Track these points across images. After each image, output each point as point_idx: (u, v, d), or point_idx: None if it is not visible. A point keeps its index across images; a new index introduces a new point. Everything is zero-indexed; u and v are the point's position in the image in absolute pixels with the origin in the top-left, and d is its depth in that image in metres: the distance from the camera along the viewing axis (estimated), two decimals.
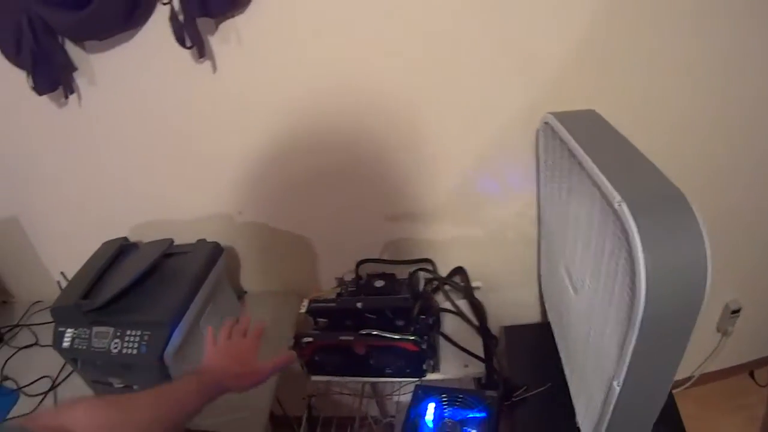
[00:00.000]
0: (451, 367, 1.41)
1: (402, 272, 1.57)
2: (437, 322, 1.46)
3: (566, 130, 1.09)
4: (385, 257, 1.66)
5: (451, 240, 1.62)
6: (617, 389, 0.89)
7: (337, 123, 1.46)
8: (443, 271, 1.64)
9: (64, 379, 1.63)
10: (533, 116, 1.34)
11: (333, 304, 1.43)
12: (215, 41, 1.37)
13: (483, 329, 1.43)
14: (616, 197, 0.82)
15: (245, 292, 1.85)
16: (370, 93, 1.39)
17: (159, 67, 1.43)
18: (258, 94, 1.43)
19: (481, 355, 1.40)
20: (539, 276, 1.63)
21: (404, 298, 1.41)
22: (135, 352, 1.33)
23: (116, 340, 1.35)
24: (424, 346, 1.31)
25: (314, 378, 1.46)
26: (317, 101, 1.42)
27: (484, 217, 1.57)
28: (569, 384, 1.30)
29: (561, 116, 1.16)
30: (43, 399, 1.59)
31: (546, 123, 1.22)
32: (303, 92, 1.41)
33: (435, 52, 1.31)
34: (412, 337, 1.31)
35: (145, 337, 1.33)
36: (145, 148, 1.58)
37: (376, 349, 1.35)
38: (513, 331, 1.59)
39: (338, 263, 1.71)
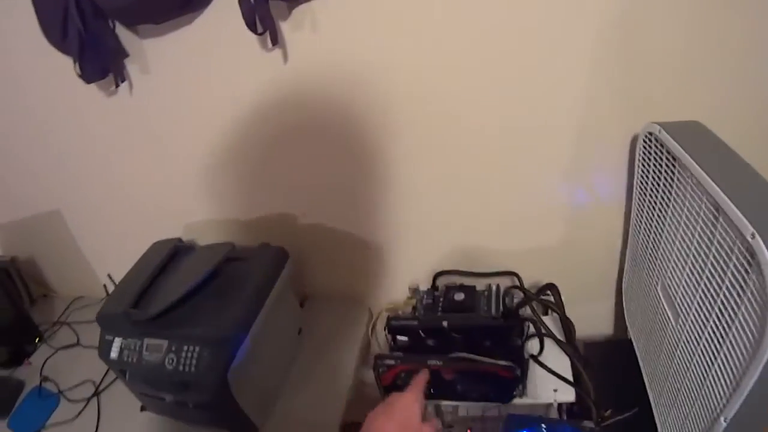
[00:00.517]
0: (539, 392, 1.27)
1: (479, 284, 1.44)
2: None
3: (677, 143, 0.98)
4: (461, 268, 1.52)
5: (528, 251, 1.48)
6: (723, 425, 0.83)
7: (419, 122, 1.31)
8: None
9: (108, 385, 1.53)
10: (630, 125, 1.22)
11: (415, 322, 1.28)
12: (287, 28, 1.21)
13: (574, 350, 1.30)
14: (748, 229, 0.74)
15: (306, 298, 1.72)
16: (462, 92, 1.25)
17: (221, 55, 1.28)
18: (334, 86, 1.28)
19: (569, 377, 1.27)
20: (619, 290, 1.48)
21: (494, 317, 1.28)
22: (193, 369, 1.19)
23: (171, 355, 1.21)
24: (518, 373, 1.18)
25: None
26: (396, 96, 1.28)
27: (566, 228, 1.43)
28: (654, 408, 1.19)
29: (667, 126, 1.05)
30: (85, 405, 1.49)
31: (650, 133, 1.10)
32: (385, 85, 1.26)
33: (535, 51, 1.17)
34: (507, 363, 1.17)
35: (206, 354, 1.19)
36: (202, 142, 1.44)
37: (465, 374, 1.21)
38: (591, 348, 1.45)
39: (409, 272, 1.58)
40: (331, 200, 1.49)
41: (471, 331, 1.25)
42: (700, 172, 0.89)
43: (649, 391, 1.23)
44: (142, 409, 1.42)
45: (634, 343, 1.34)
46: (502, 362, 1.17)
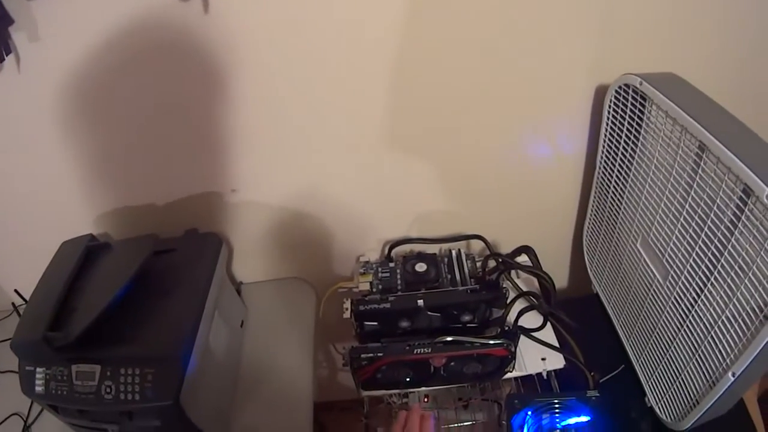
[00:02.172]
0: (527, 362, 1.16)
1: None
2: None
3: (661, 94, 0.92)
4: (412, 235, 1.37)
5: (481, 212, 1.37)
6: (731, 379, 0.83)
7: (356, 75, 1.12)
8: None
9: (38, 415, 1.29)
10: (593, 75, 1.14)
11: (387, 305, 1.10)
12: None
13: (556, 316, 1.18)
14: (764, 189, 0.71)
15: (241, 283, 1.51)
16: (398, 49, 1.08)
17: (130, 7, 1.03)
18: (260, 42, 1.06)
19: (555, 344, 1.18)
20: (578, 246, 1.42)
21: (473, 289, 1.12)
22: (138, 397, 0.99)
23: (107, 382, 1.01)
24: (513, 349, 1.04)
25: (368, 393, 1.15)
26: (336, 52, 1.09)
27: (521, 182, 1.32)
28: (636, 364, 1.17)
29: (646, 78, 0.98)
30: None
31: (625, 84, 1.03)
32: (318, 44, 1.07)
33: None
34: (501, 341, 1.03)
35: (149, 376, 0.99)
36: (108, 118, 1.18)
37: (456, 359, 1.06)
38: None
39: (355, 243, 1.41)
40: (264, 171, 1.28)
41: (450, 308, 1.09)
42: (696, 126, 0.84)
43: (627, 349, 1.20)
44: None
45: (604, 301, 1.31)
46: (495, 341, 1.03)
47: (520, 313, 1.15)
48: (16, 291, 1.21)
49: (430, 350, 1.03)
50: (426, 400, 1.28)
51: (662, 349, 1.04)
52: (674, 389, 1.01)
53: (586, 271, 1.37)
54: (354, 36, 1.06)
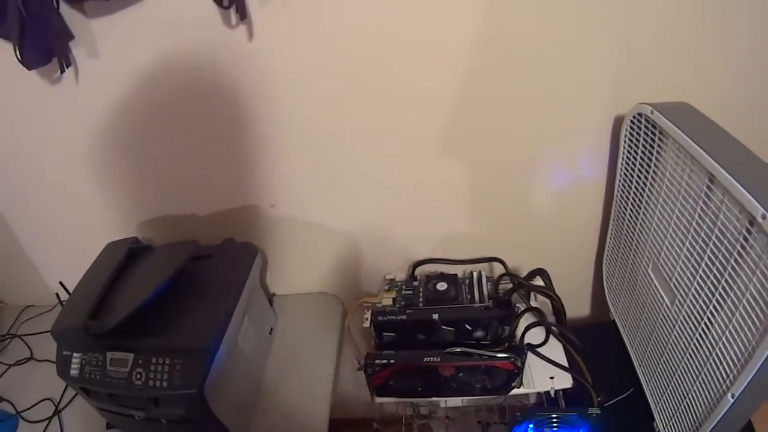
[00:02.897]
0: (535, 380, 1.18)
1: (460, 272, 1.33)
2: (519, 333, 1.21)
3: (674, 125, 0.95)
4: (437, 256, 1.42)
5: (507, 237, 1.40)
6: (731, 401, 0.83)
7: (383, 102, 1.18)
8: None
9: (69, 402, 1.36)
10: (613, 104, 1.16)
11: (404, 317, 1.16)
12: (253, 3, 1.06)
13: (568, 338, 1.20)
14: (759, 209, 0.73)
15: (274, 294, 1.57)
16: (433, 74, 1.14)
17: (179, 34, 1.12)
18: (303, 67, 1.14)
19: (564, 363, 1.19)
20: (599, 273, 1.43)
21: (486, 306, 1.17)
22: (165, 384, 1.04)
23: (139, 369, 1.06)
24: (519, 364, 1.08)
25: (380, 400, 1.20)
26: (363, 78, 1.15)
27: (543, 209, 1.35)
28: (646, 388, 1.17)
29: (658, 107, 1.01)
30: (47, 425, 1.32)
31: (639, 114, 1.06)
32: (353, 68, 1.13)
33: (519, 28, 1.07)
34: (508, 355, 1.07)
35: (178, 366, 1.05)
36: (157, 132, 1.27)
37: (464, 369, 1.10)
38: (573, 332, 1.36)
39: (384, 262, 1.46)
40: (302, 190, 1.35)
41: (463, 323, 1.14)
42: (699, 152, 0.87)
43: (639, 372, 1.20)
44: (108, 426, 1.27)
45: (619, 325, 1.31)
46: (502, 354, 1.07)
47: (527, 329, 1.19)
48: (60, 283, 1.27)
49: (439, 359, 1.07)
50: (446, 421, 1.31)
51: (670, 372, 1.04)
52: (680, 412, 1.01)
53: (605, 298, 1.39)
54: (385, 70, 1.13)
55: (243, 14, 1.05)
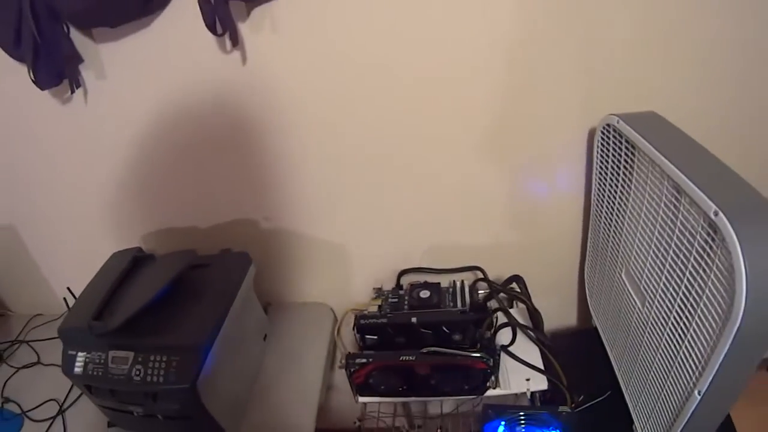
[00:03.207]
0: (512, 382, 1.24)
1: (444, 281, 1.39)
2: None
3: (635, 132, 1.00)
4: (424, 265, 1.48)
5: (490, 246, 1.45)
6: (698, 398, 0.85)
7: (379, 119, 1.27)
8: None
9: (72, 403, 1.42)
10: (587, 118, 1.22)
11: (384, 320, 1.23)
12: (246, 29, 1.15)
13: (542, 340, 1.27)
14: (711, 207, 0.76)
15: (269, 303, 1.64)
16: (417, 91, 1.22)
17: (179, 58, 1.21)
18: (293, 88, 1.23)
19: (540, 366, 1.25)
20: (582, 280, 1.48)
21: (462, 311, 1.24)
22: (162, 379, 1.11)
23: (138, 366, 1.14)
24: (491, 363, 1.14)
25: (363, 400, 1.26)
26: (358, 96, 1.23)
27: (525, 220, 1.41)
28: (625, 392, 1.21)
29: (625, 117, 1.07)
30: (50, 425, 1.38)
31: (608, 124, 1.12)
32: (343, 88, 1.22)
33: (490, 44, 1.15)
34: (480, 355, 1.14)
35: (174, 363, 1.12)
36: (160, 149, 1.36)
37: (439, 368, 1.17)
38: (558, 338, 1.43)
39: (373, 272, 1.52)
40: (295, 204, 1.43)
41: (441, 326, 1.20)
42: (659, 156, 0.91)
43: (618, 375, 1.23)
44: (110, 425, 1.33)
45: (600, 331, 1.34)
46: (474, 353, 1.13)
47: (497, 329, 1.25)
48: (68, 289, 1.35)
49: (414, 358, 1.14)
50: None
51: (645, 373, 1.08)
52: (656, 412, 1.04)
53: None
54: (380, 82, 1.21)
55: (235, 41, 1.14)
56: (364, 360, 1.16)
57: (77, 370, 1.18)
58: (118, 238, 1.50)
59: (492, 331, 1.23)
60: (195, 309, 1.21)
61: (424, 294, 1.31)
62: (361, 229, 1.46)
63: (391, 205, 1.40)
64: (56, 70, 1.20)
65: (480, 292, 1.35)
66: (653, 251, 0.99)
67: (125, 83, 1.26)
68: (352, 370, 1.17)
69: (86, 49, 1.22)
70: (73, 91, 1.25)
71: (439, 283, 1.36)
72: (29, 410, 1.42)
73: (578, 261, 1.47)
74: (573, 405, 1.15)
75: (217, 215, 1.48)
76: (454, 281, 1.36)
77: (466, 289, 1.32)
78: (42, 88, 1.21)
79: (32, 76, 1.18)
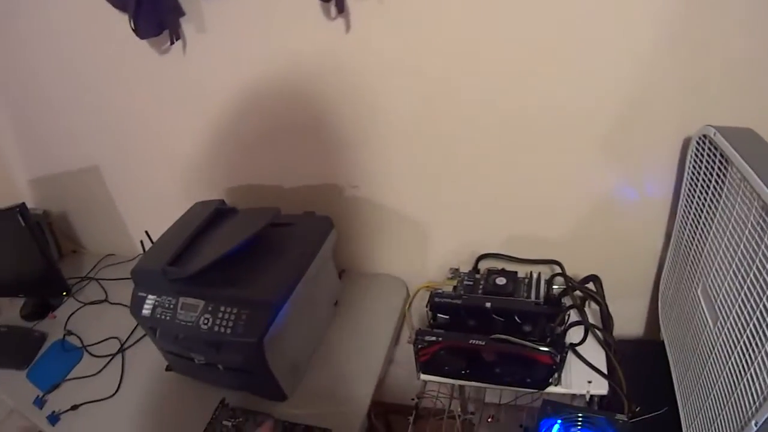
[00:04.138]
0: (573, 382, 1.20)
1: (521, 271, 1.36)
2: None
3: (732, 147, 0.96)
4: (502, 252, 1.46)
5: (570, 241, 1.42)
6: (754, 428, 0.82)
7: (477, 102, 1.24)
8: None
9: (134, 343, 1.46)
10: (684, 126, 1.17)
11: (459, 301, 1.21)
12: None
13: (610, 345, 1.23)
14: None
15: (344, 270, 1.63)
16: (523, 80, 1.19)
17: (281, 18, 1.21)
18: (392, 60, 1.21)
19: (605, 370, 1.21)
20: (656, 291, 1.43)
21: (537, 302, 1.21)
22: (229, 331, 1.12)
23: (207, 315, 1.14)
24: (558, 360, 1.11)
25: (425, 378, 1.24)
26: (460, 75, 1.20)
27: (610, 222, 1.37)
28: (681, 410, 1.16)
29: (722, 130, 1.02)
30: (109, 361, 1.42)
31: (704, 135, 1.07)
32: (443, 65, 1.19)
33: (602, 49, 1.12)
34: (548, 349, 1.11)
35: (243, 316, 1.12)
36: (253, 110, 1.36)
37: (505, 357, 1.14)
38: (622, 345, 1.37)
39: (450, 252, 1.50)
40: (385, 176, 1.42)
41: (513, 315, 1.17)
42: (752, 174, 0.87)
43: (677, 392, 1.19)
44: (168, 368, 1.35)
45: (666, 345, 1.30)
46: (543, 347, 1.10)
47: (569, 326, 1.22)
48: (146, 233, 1.37)
49: (483, 342, 1.12)
50: (490, 419, 1.35)
51: (705, 393, 1.03)
52: None
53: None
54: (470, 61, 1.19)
55: (341, 7, 1.13)
56: (434, 338, 1.15)
57: (145, 312, 1.20)
58: (200, 189, 1.51)
59: (563, 327, 1.20)
60: (272, 266, 1.21)
61: (500, 281, 1.28)
62: (444, 208, 1.44)
63: (476, 189, 1.38)
64: (157, 20, 1.22)
65: (555, 287, 1.32)
66: (733, 271, 0.95)
67: (225, 40, 1.27)
68: (420, 346, 1.16)
69: (189, 3, 1.24)
70: (172, 43, 1.27)
71: (516, 273, 1.32)
72: (90, 345, 1.46)
73: (655, 271, 1.43)
74: (631, 415, 1.11)
75: (304, 178, 1.48)
76: (531, 272, 1.32)
77: (542, 282, 1.29)
78: (141, 37, 1.23)
79: (132, 24, 1.20)
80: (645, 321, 1.52)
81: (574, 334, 1.23)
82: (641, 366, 1.25)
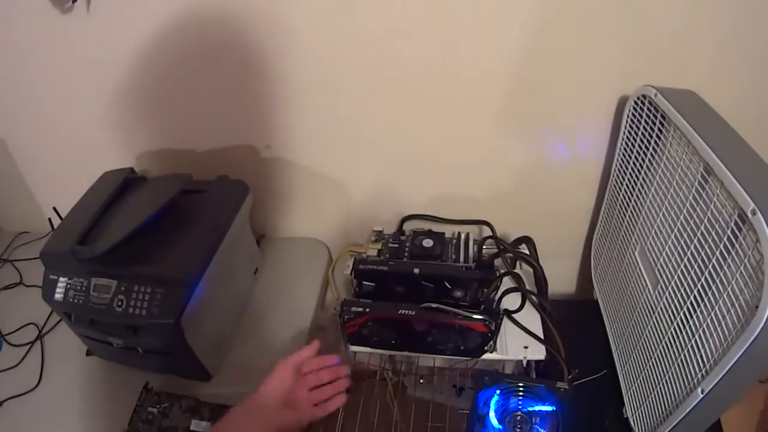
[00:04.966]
0: (509, 348, 1.17)
1: (448, 232, 1.32)
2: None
3: (675, 110, 0.93)
4: (429, 213, 1.41)
5: (497, 200, 1.39)
6: (700, 396, 0.81)
7: (394, 52, 1.17)
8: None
9: (52, 328, 1.37)
10: (619, 86, 1.15)
11: (385, 267, 1.15)
12: None
13: (545, 309, 1.19)
14: (749, 204, 0.70)
15: (263, 236, 1.56)
16: (437, 30, 1.13)
17: None
18: (303, 5, 1.13)
19: (540, 334, 1.18)
20: (587, 250, 1.43)
21: (468, 267, 1.16)
22: (144, 312, 1.05)
23: (120, 296, 1.07)
24: (493, 328, 1.07)
25: (354, 349, 1.20)
26: (375, 27, 1.14)
27: (540, 181, 1.34)
28: (619, 372, 1.16)
29: (663, 91, 0.99)
30: (29, 349, 1.33)
31: (644, 96, 1.04)
32: (377, 16, 1.12)
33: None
34: (483, 317, 1.06)
35: (158, 296, 1.05)
36: (158, 66, 1.26)
37: (437, 326, 1.10)
38: (555, 306, 1.33)
39: (373, 213, 1.45)
40: (299, 134, 1.34)
41: (444, 281, 1.13)
42: (696, 138, 0.85)
43: (615, 355, 1.19)
44: (89, 353, 1.28)
45: (601, 305, 1.30)
46: (478, 315, 1.06)
47: (504, 293, 1.17)
48: (54, 209, 1.28)
49: (414, 313, 1.07)
50: (421, 381, 1.31)
51: (644, 358, 1.03)
52: (650, 401, 0.99)
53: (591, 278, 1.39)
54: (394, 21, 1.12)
55: None
56: (360, 309, 1.09)
57: (57, 296, 1.12)
58: (110, 157, 1.41)
59: (496, 294, 1.16)
60: (185, 238, 1.14)
61: (427, 243, 1.23)
62: (365, 167, 1.38)
63: (399, 147, 1.32)
64: None
65: (485, 248, 1.27)
66: (675, 235, 0.92)
67: None
68: (346, 318, 1.10)
69: None
70: (74, 1, 1.16)
71: (443, 234, 1.28)
72: (8, 333, 1.37)
73: (586, 229, 1.42)
74: (571, 380, 1.08)
75: (216, 140, 1.39)
76: (459, 233, 1.28)
77: (471, 243, 1.25)
78: None
79: None
80: (576, 280, 1.53)
81: (509, 301, 1.19)
82: (576, 327, 1.22)
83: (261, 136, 1.37)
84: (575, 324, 1.21)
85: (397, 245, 1.25)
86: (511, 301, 1.19)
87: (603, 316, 1.28)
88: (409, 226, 1.39)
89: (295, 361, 1.04)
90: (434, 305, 1.07)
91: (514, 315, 1.18)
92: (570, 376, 1.07)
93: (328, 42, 1.16)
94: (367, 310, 1.09)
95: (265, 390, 0.99)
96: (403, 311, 1.07)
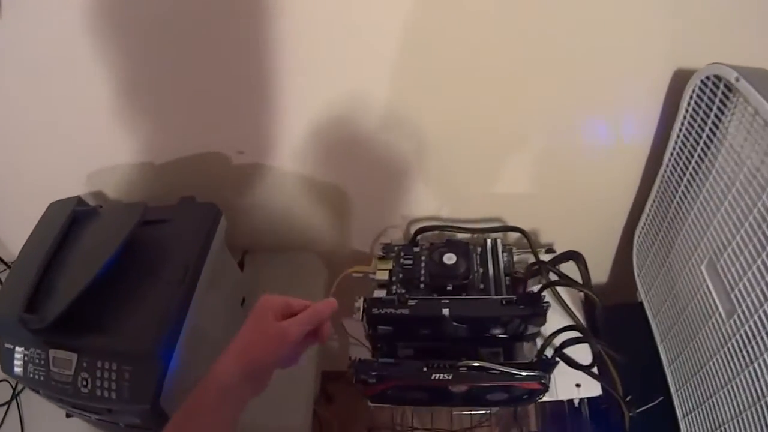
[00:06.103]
0: (559, 387, 1.01)
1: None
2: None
3: (758, 93, 0.75)
4: (442, 215, 1.22)
5: (527, 195, 1.21)
6: None
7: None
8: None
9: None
10: (671, 63, 0.97)
11: (405, 311, 0.93)
12: None
13: (604, 348, 1.00)
14: None
15: (246, 252, 1.36)
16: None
17: None
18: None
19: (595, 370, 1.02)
20: (633, 247, 1.25)
21: (509, 300, 0.94)
22: (114, 396, 0.89)
23: (84, 374, 0.91)
24: (548, 383, 0.88)
25: (376, 405, 1.01)
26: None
27: (575, 170, 1.17)
28: (674, 394, 1.05)
29: (740, 71, 0.80)
30: (7, 410, 1.21)
31: (715, 76, 0.85)
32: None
33: None
34: (536, 373, 0.86)
35: (126, 375, 0.89)
36: (104, 63, 1.01)
37: (480, 386, 0.90)
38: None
39: (377, 219, 1.28)
40: (279, 131, 1.12)
41: (479, 321, 0.94)
42: None
43: (668, 374, 1.08)
44: (68, 415, 1.12)
45: (648, 312, 1.18)
46: (528, 372, 0.87)
47: (564, 344, 0.99)
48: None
49: (450, 377, 0.87)
50: None
51: (709, 390, 0.92)
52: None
53: (630, 273, 1.23)
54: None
55: None
56: (374, 380, 0.89)
57: (17, 370, 0.98)
58: (54, 182, 1.20)
59: (547, 343, 0.98)
60: (151, 288, 0.96)
61: (449, 259, 1.02)
62: (364, 163, 1.17)
63: (403, 137, 1.11)
64: None
65: (515, 252, 1.11)
66: (764, 260, 0.76)
67: None
68: (360, 379, 0.90)
69: None
70: None
71: (467, 245, 1.08)
72: None
73: (624, 222, 1.28)
74: (630, 417, 0.98)
75: (179, 149, 1.18)
76: (485, 240, 1.10)
77: (500, 252, 1.07)
78: None
79: None
80: (609, 274, 1.41)
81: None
82: (618, 334, 1.07)
83: (230, 141, 1.16)
84: (618, 331, 1.07)
85: (411, 263, 1.06)
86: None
87: (651, 324, 1.16)
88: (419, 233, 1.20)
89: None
90: (474, 363, 0.87)
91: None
92: (630, 410, 0.96)
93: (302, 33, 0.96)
94: (386, 376, 0.88)
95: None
96: (437, 375, 0.87)
